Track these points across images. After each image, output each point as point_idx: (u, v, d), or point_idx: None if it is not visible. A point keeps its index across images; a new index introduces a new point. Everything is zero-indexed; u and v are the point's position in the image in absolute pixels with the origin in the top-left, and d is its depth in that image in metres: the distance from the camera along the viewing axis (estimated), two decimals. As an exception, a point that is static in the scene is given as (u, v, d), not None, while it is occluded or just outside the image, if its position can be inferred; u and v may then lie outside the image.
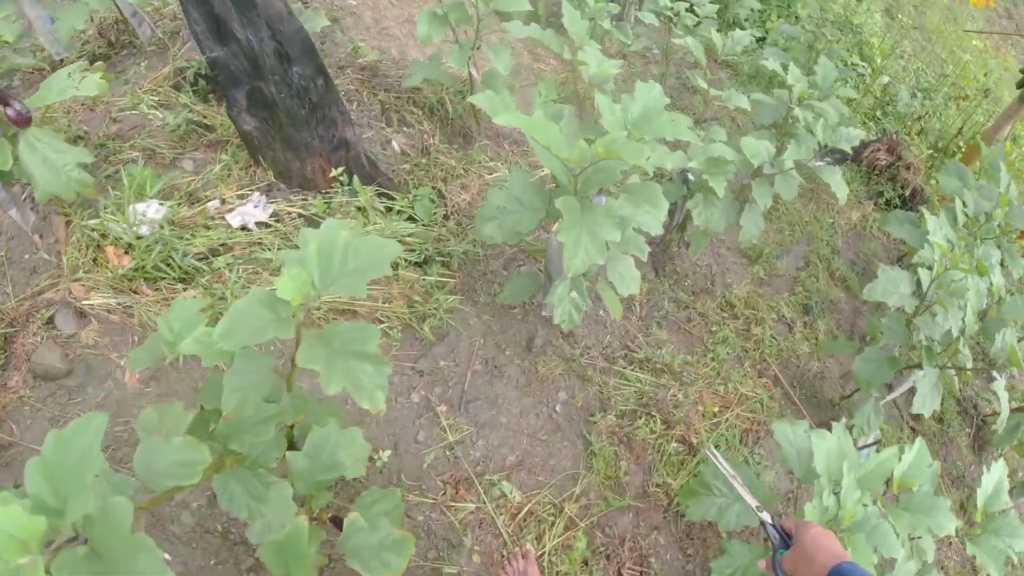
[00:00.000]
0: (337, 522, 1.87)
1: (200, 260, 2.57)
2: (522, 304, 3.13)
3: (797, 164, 2.92)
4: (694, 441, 2.90)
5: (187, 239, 2.56)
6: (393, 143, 3.63)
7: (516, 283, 2.84)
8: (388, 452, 2.50)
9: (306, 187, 2.92)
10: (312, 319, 2.59)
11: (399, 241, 3.05)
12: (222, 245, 2.63)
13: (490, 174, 3.67)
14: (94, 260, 2.49)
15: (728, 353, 3.35)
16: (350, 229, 1.42)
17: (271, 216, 2.77)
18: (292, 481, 1.58)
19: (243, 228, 2.72)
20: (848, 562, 1.20)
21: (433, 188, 3.39)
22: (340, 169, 2.91)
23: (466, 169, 3.64)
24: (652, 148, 2.21)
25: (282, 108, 2.54)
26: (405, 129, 3.76)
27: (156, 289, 2.53)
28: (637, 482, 2.77)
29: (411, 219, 3.16)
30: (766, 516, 1.52)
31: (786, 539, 1.43)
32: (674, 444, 2.88)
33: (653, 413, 2.95)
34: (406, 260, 2.99)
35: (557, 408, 2.87)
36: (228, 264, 2.60)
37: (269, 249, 2.69)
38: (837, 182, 3.00)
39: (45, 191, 2.15)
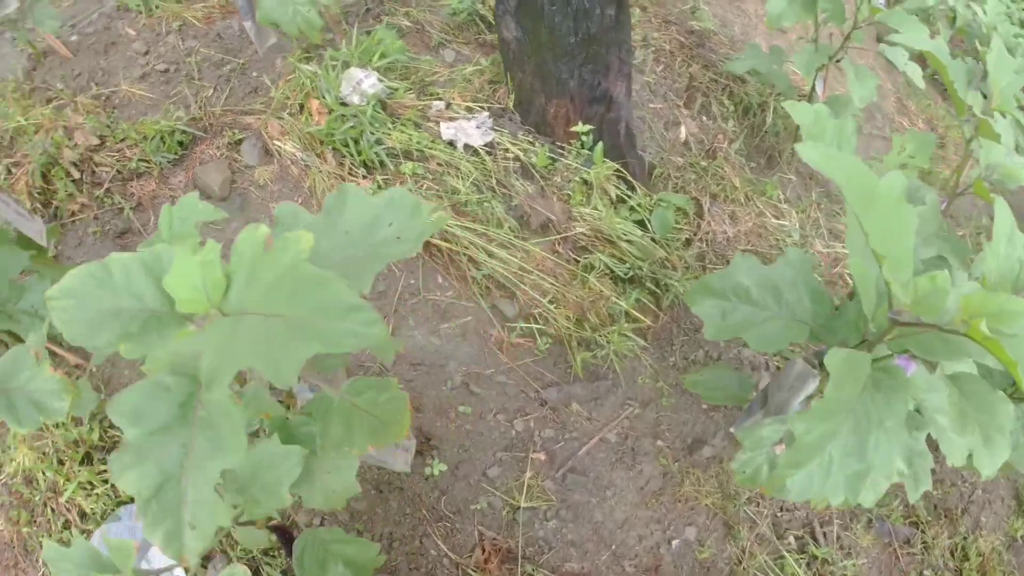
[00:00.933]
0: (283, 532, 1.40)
1: (389, 155, 2.21)
2: (710, 393, 2.29)
3: None
4: None
5: (387, 129, 2.21)
6: (682, 129, 2.90)
7: (713, 375, 2.00)
8: (444, 467, 1.96)
9: (540, 130, 2.38)
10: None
11: (610, 241, 2.39)
12: (418, 151, 2.23)
13: (775, 219, 2.76)
14: (300, 106, 2.27)
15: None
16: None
17: (486, 144, 2.29)
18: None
19: (450, 143, 2.29)
20: None
21: (693, 200, 2.62)
22: (588, 127, 2.30)
23: (748, 197, 2.78)
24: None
25: (547, 24, 1.99)
26: (704, 119, 2.99)
27: (340, 163, 2.24)
28: None
29: (642, 224, 2.46)
30: None
31: None
32: None
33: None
34: (608, 269, 2.32)
35: (673, 544, 2.05)
36: (413, 173, 2.20)
37: (463, 179, 2.23)
38: None
39: (267, 15, 1.91)
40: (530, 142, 2.36)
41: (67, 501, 1.75)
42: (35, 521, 1.73)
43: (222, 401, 0.76)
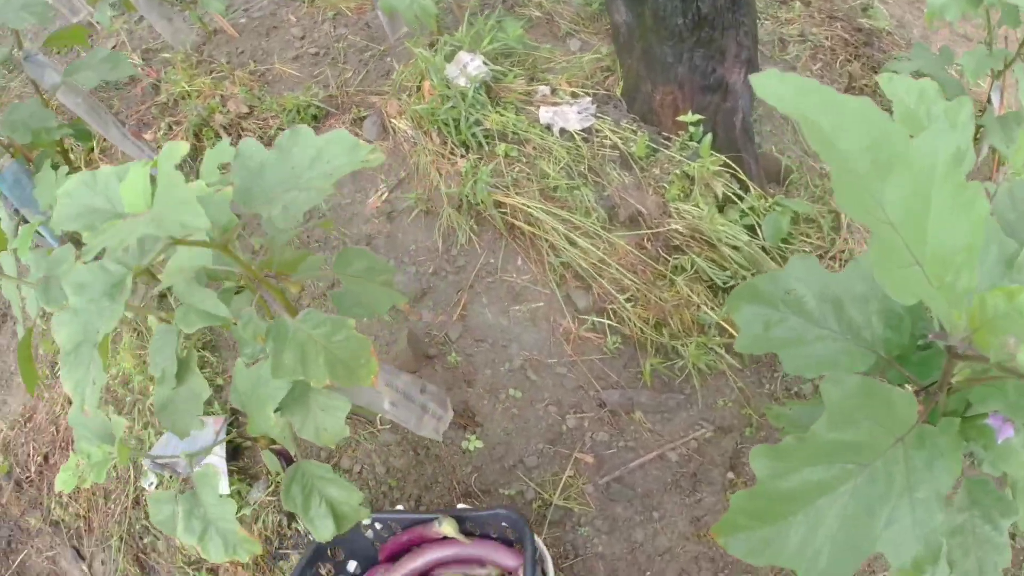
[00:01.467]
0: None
1: (486, 136, 2.23)
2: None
3: None
4: None
5: (486, 111, 2.23)
6: None
7: (805, 413, 1.70)
8: (480, 444, 1.91)
9: (647, 119, 2.24)
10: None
11: (710, 243, 2.16)
12: (514, 133, 2.22)
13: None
14: (416, 87, 2.38)
15: None
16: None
17: (583, 130, 2.21)
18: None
19: (547, 127, 2.24)
20: None
21: (832, 213, 2.30)
22: (698, 117, 2.12)
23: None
24: None
25: (651, 4, 1.86)
26: None
27: (443, 142, 2.32)
28: None
29: (751, 230, 2.20)
30: None
31: None
32: None
33: None
34: (703, 274, 2.11)
35: (724, 589, 1.79)
36: (507, 155, 2.19)
37: (555, 163, 2.17)
38: None
39: (386, 2, 2.03)
40: (632, 131, 2.23)
41: (151, 405, 2.00)
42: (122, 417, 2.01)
43: (128, 281, 0.81)
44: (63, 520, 2.09)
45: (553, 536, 1.82)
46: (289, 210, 1.12)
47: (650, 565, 1.80)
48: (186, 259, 1.13)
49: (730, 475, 1.99)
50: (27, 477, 2.15)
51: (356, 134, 2.51)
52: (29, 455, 2.17)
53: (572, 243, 2.11)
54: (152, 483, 2.00)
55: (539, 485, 1.88)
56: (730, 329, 2.12)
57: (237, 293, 1.30)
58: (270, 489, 1.92)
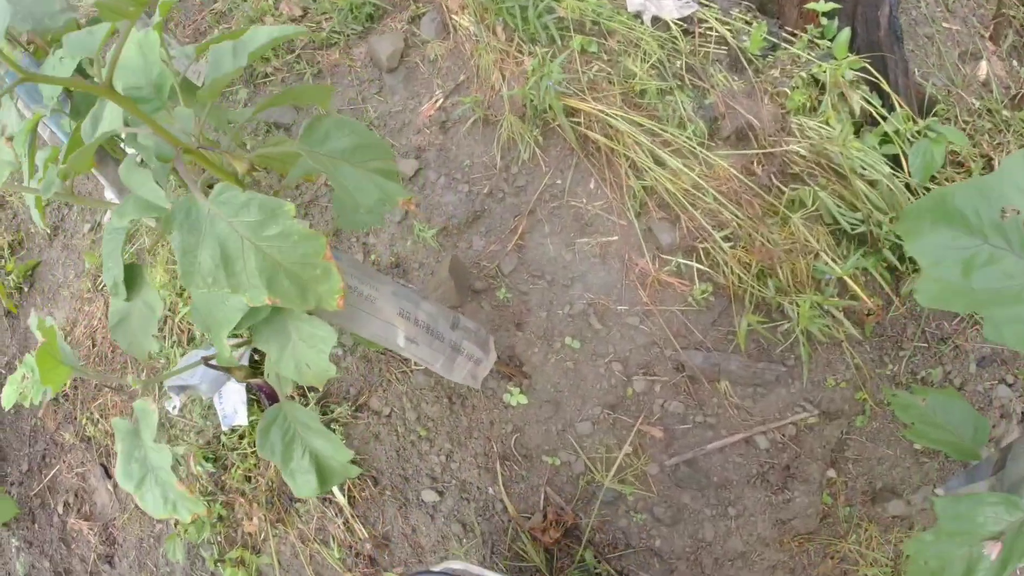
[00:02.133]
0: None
1: (559, 27, 1.79)
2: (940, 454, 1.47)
3: None
4: None
5: (562, -7, 1.78)
6: (983, 65, 1.96)
7: (939, 404, 1.20)
8: (525, 400, 1.57)
9: (765, 8, 1.73)
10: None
11: (839, 173, 1.65)
12: (594, 23, 1.77)
13: None
14: (481, -27, 1.97)
15: None
16: None
17: (681, 19, 1.72)
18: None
19: (636, 16, 1.77)
20: None
21: (984, 158, 1.73)
22: (832, 5, 1.58)
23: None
24: None
25: None
26: (1014, 63, 1.96)
27: (508, 39, 1.91)
28: None
29: (895, 161, 1.66)
30: None
31: None
32: None
33: None
34: (826, 214, 1.62)
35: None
36: (583, 50, 1.75)
37: (643, 61, 1.71)
38: None
39: None
40: (746, 21, 1.72)
41: (180, 321, 1.81)
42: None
43: None
44: (94, 437, 1.99)
45: (603, 520, 1.47)
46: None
47: (717, 570, 1.42)
48: (108, 122, 0.83)
49: (831, 473, 1.55)
50: (64, 393, 2.06)
51: (412, 33, 2.14)
52: (68, 367, 2.08)
53: (659, 162, 1.66)
54: (176, 406, 1.84)
55: (591, 458, 1.53)
56: (855, 288, 1.62)
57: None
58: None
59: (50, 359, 0.97)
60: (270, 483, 1.69)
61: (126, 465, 1.00)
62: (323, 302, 0.79)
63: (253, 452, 1.71)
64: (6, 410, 2.13)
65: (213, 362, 1.16)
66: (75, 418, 2.01)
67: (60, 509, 2.08)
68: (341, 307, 0.79)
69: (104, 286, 2.09)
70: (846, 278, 1.66)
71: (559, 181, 1.77)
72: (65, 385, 2.08)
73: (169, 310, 1.82)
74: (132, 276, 1.04)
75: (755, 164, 1.72)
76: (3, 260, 2.22)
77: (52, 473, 2.04)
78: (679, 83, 1.72)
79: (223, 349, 0.95)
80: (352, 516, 1.64)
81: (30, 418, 2.14)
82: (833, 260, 1.68)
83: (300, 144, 0.93)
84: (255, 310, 0.94)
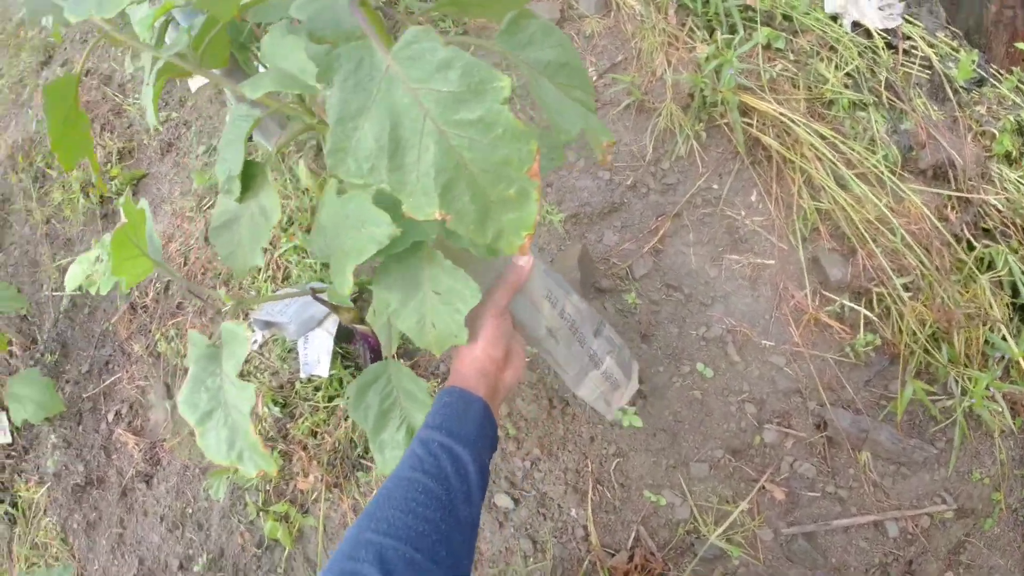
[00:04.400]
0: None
1: (744, 17, 1.51)
2: None
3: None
4: None
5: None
6: None
7: None
8: (639, 424, 1.29)
9: (971, 39, 1.47)
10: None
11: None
12: (786, 16, 1.48)
13: None
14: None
15: None
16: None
17: (884, 31, 1.42)
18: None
19: (834, 17, 1.47)
20: None
21: None
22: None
23: None
24: None
25: None
26: None
27: (681, 23, 1.64)
28: None
29: None
30: None
31: None
32: None
33: None
34: (1013, 281, 1.30)
35: None
36: (769, 46, 1.47)
37: (837, 67, 1.42)
38: None
39: None
40: (953, 47, 1.40)
41: (279, 257, 1.61)
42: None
43: None
44: (165, 354, 1.82)
45: (695, 573, 1.19)
46: None
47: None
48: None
49: (948, 575, 1.22)
50: (143, 304, 1.90)
51: (570, 5, 1.90)
52: (151, 281, 1.91)
53: (841, 184, 1.37)
54: (256, 341, 1.64)
55: (699, 505, 1.24)
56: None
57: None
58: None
59: (129, 245, 0.75)
60: (336, 444, 1.46)
61: (194, 392, 0.77)
62: (503, 239, 0.53)
63: (326, 407, 1.49)
64: (71, 298, 1.99)
65: (323, 296, 0.93)
66: (149, 331, 1.85)
67: (110, 417, 1.92)
68: (526, 252, 0.54)
69: (209, 207, 1.92)
70: (1021, 360, 1.33)
71: (715, 186, 1.49)
72: (142, 284, 1.92)
73: (270, 244, 1.62)
74: (251, 173, 0.81)
75: (949, 208, 1.41)
76: (110, 164, 2.08)
77: (111, 380, 1.88)
78: (875, 99, 1.42)
79: (343, 284, 0.71)
80: (414, 504, 1.40)
81: (103, 321, 1.99)
82: (1009, 335, 1.36)
83: (498, 42, 0.69)
84: (393, 243, 0.69)
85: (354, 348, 1.54)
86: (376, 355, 0.97)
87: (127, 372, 1.87)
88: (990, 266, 1.40)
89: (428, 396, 0.86)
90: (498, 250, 0.55)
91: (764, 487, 1.28)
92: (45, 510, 2.00)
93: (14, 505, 2.07)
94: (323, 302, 0.95)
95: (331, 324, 1.51)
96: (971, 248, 1.40)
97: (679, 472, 1.29)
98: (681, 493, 1.28)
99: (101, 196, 2.02)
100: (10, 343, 2.10)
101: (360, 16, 0.54)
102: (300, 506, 1.53)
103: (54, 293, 2.08)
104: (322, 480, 1.50)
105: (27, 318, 2.13)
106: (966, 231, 1.41)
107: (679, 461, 1.30)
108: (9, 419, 2.11)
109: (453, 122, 0.50)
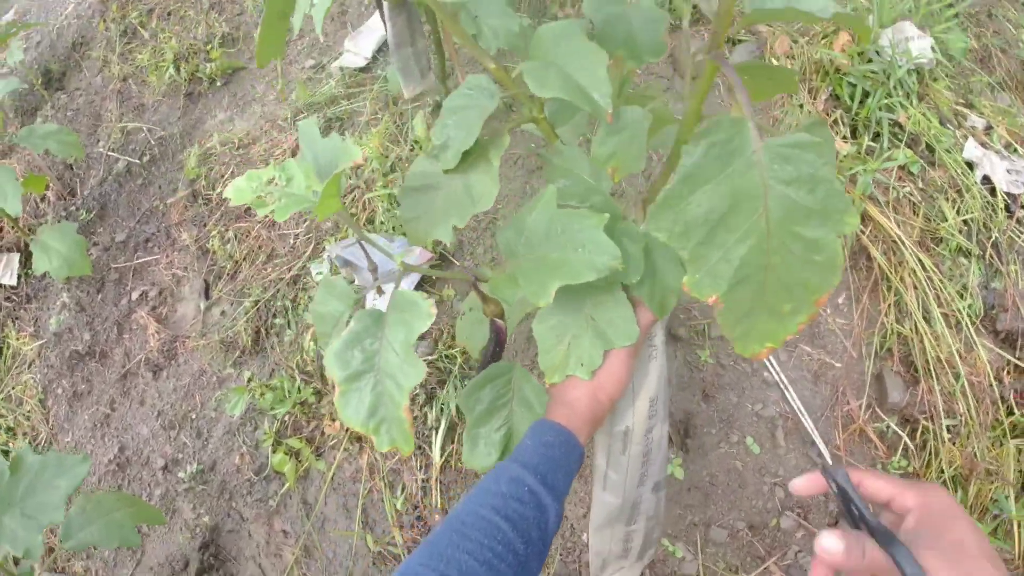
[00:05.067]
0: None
1: (892, 130, 1.55)
2: None
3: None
4: None
5: (908, 100, 1.54)
6: None
7: None
8: (680, 476, 1.31)
9: None
10: None
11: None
12: (930, 149, 1.53)
13: None
14: (834, 31, 1.73)
15: None
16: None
17: (1008, 194, 1.48)
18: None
19: (969, 164, 1.52)
20: None
21: None
22: None
23: None
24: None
25: None
26: None
27: (827, 111, 1.66)
28: None
29: None
30: None
31: None
32: None
33: None
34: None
35: None
36: (905, 164, 1.51)
37: (959, 212, 1.46)
38: None
39: None
40: None
41: (368, 199, 1.57)
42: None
43: None
44: (214, 253, 1.75)
45: None
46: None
47: None
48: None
49: None
50: (205, 194, 1.83)
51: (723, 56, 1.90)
52: (222, 176, 1.84)
53: (926, 316, 1.41)
54: (321, 273, 1.60)
55: (707, 567, 1.27)
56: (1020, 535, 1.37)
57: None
58: (433, 355, 1.44)
59: (335, 187, 0.73)
60: (374, 403, 1.44)
61: (348, 348, 0.73)
62: (747, 340, 0.55)
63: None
64: (127, 163, 1.83)
65: (468, 272, 0.90)
66: (205, 224, 1.78)
67: (134, 296, 1.84)
68: (759, 359, 0.55)
69: (298, 119, 1.85)
70: (1015, 522, 1.41)
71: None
72: (211, 175, 1.85)
73: (364, 183, 1.58)
74: (475, 149, 0.79)
75: (1005, 371, 1.47)
76: (211, 47, 1.99)
77: (147, 259, 1.80)
78: (980, 253, 1.47)
79: (541, 297, 0.67)
80: (437, 480, 1.39)
81: (155, 198, 1.91)
82: (1015, 498, 1.43)
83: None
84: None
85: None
86: (500, 350, 0.95)
87: (167, 257, 1.79)
88: (1021, 434, 1.47)
89: (543, 410, 0.85)
90: (737, 346, 0.56)
91: (769, 568, 1.32)
92: (31, 364, 1.91)
93: (-3, 349, 1.97)
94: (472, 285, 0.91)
95: (408, 283, 1.48)
96: (1010, 413, 1.47)
97: (699, 530, 1.32)
98: (695, 550, 1.31)
99: (192, 74, 1.93)
100: (47, 187, 1.99)
101: (744, 100, 0.53)
102: (316, 448, 1.50)
103: (110, 152, 1.98)
104: (346, 430, 1.48)
105: (72, 168, 2.02)
106: (1012, 397, 1.48)
107: (703, 521, 1.32)
108: (21, 263, 2.00)
109: (789, 231, 0.51)
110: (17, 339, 1.93)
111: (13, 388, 1.89)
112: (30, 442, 1.84)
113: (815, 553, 0.48)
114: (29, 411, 1.85)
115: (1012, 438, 1.44)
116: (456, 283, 1.52)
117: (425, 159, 0.85)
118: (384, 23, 1.37)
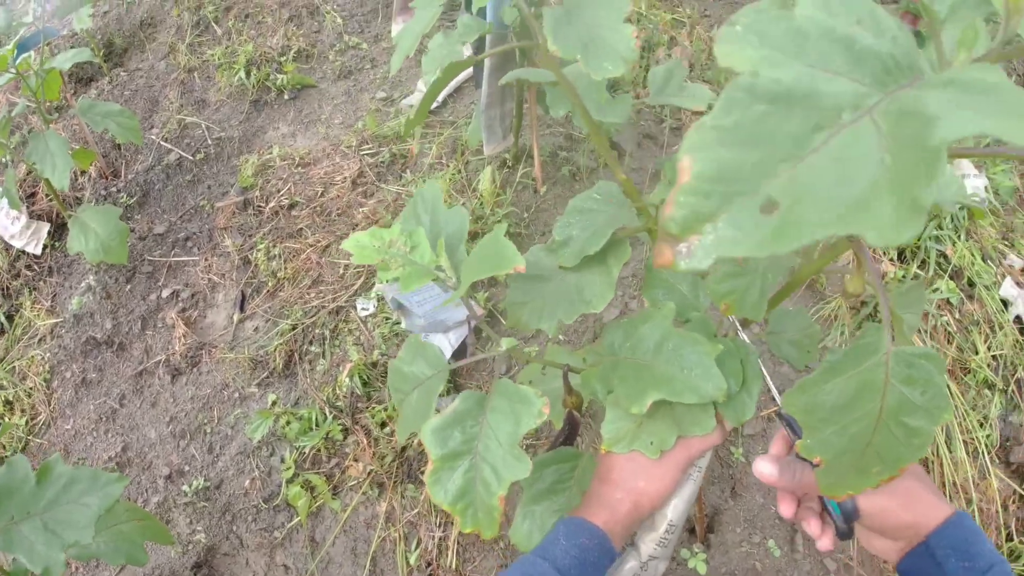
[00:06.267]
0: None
1: (938, 261, 1.58)
2: None
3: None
4: None
5: (956, 235, 1.59)
6: None
7: None
8: (703, 571, 1.29)
9: None
10: None
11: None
12: (970, 284, 1.57)
13: None
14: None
15: None
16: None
17: (1050, 341, 1.52)
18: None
19: (1004, 301, 1.56)
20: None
21: None
22: None
23: None
24: None
25: None
26: None
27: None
28: None
29: None
30: None
31: None
32: None
33: None
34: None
35: None
36: (946, 295, 1.54)
37: (992, 344, 1.50)
38: None
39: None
40: None
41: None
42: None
43: None
44: (256, 266, 1.70)
45: None
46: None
47: None
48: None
49: None
50: (257, 204, 1.78)
51: None
52: (278, 192, 1.79)
53: (948, 439, 1.43)
54: (366, 309, 1.55)
55: None
56: None
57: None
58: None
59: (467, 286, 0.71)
60: (408, 446, 1.40)
61: (449, 427, 0.71)
62: (864, 484, 0.58)
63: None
64: (179, 156, 1.74)
65: (566, 369, 0.88)
66: (252, 234, 1.73)
67: (164, 293, 1.77)
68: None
69: (367, 153, 1.82)
70: None
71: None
72: (265, 188, 1.80)
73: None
74: (610, 248, 0.78)
75: (1011, 501, 1.49)
76: (285, 59, 1.96)
77: (185, 259, 1.74)
78: (1004, 387, 1.51)
79: (637, 406, 0.67)
80: (456, 541, 1.35)
81: (203, 197, 1.85)
82: None
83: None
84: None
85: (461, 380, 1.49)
86: (573, 434, 0.93)
87: (206, 260, 1.74)
88: (1016, 559, 1.49)
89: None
90: (823, 489, 0.60)
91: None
92: (41, 340, 1.82)
93: (8, 317, 1.88)
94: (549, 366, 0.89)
95: (455, 337, 1.45)
96: (1009, 539, 1.49)
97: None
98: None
99: (261, 82, 1.89)
100: (91, 164, 1.92)
101: (885, 309, 0.56)
102: (334, 487, 1.45)
103: (163, 142, 1.92)
104: (367, 473, 1.43)
105: (119, 148, 1.96)
106: (1013, 526, 1.50)
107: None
108: (50, 234, 1.92)
109: (896, 420, 0.55)
110: (32, 311, 1.84)
111: (18, 360, 1.80)
112: (27, 421, 1.74)
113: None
114: (31, 388, 1.76)
115: (1009, 561, 1.45)
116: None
117: (540, 249, 0.85)
118: (480, 81, 1.37)
